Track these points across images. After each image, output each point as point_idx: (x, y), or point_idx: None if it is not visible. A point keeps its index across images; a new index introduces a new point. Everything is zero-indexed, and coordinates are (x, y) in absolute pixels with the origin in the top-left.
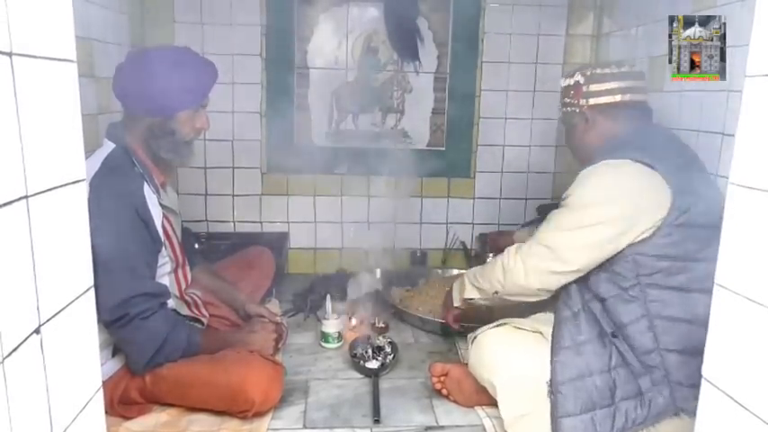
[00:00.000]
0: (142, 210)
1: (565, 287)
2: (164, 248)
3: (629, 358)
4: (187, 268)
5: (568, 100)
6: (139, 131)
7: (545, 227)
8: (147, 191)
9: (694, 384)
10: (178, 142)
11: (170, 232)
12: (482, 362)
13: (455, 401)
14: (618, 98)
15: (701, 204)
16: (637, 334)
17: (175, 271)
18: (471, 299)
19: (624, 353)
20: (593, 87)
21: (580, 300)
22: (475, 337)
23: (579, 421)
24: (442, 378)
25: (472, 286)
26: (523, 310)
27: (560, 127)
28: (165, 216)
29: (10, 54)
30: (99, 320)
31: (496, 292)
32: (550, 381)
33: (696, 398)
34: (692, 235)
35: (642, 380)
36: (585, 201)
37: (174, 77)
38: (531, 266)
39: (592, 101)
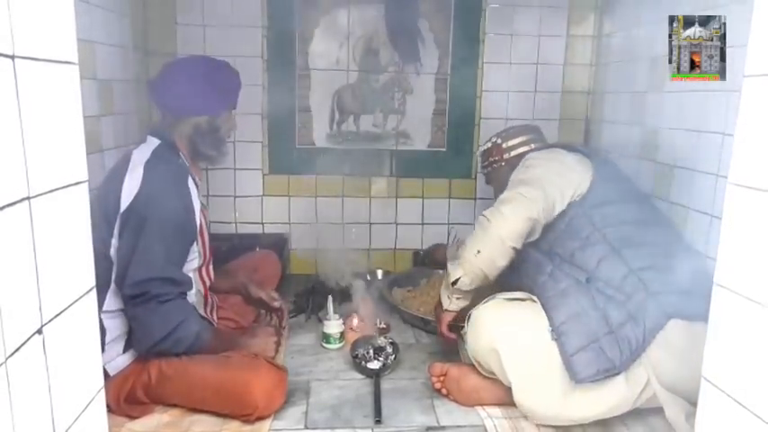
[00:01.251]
0: (186, 197)
1: (532, 259)
2: (195, 243)
3: (609, 292)
4: (211, 267)
5: (492, 159)
6: (184, 131)
7: (502, 196)
8: (191, 182)
9: (673, 290)
10: (221, 139)
11: (204, 227)
12: (481, 336)
13: (455, 401)
14: (532, 146)
15: (613, 169)
16: (610, 267)
17: (200, 269)
18: (457, 278)
19: (603, 290)
20: (510, 143)
21: (550, 264)
22: (469, 316)
23: (589, 351)
24: (441, 378)
25: (454, 267)
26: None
27: (489, 184)
28: (201, 211)
29: (12, 57)
30: (119, 300)
31: (479, 251)
32: (550, 328)
33: (681, 302)
34: (615, 188)
35: (628, 304)
36: (529, 172)
37: (220, 80)
38: (508, 211)
39: (513, 153)
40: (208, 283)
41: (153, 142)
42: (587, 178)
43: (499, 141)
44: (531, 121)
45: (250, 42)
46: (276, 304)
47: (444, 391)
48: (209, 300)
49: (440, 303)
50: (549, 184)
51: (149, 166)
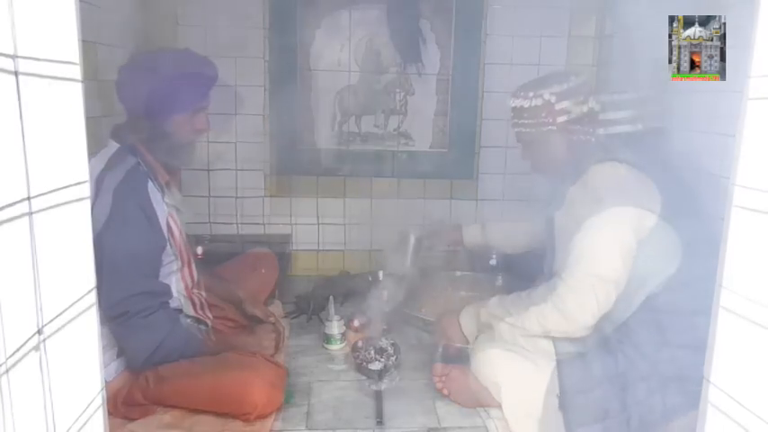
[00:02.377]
0: (146, 205)
1: None
2: (169, 246)
3: (636, 361)
4: (193, 267)
5: (540, 119)
6: (141, 133)
7: (563, 289)
8: (152, 188)
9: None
10: (175, 144)
11: (175, 230)
12: (484, 364)
13: (456, 402)
14: (586, 108)
15: (679, 195)
16: (643, 332)
17: (182, 270)
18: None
19: (631, 357)
20: (565, 104)
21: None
22: (477, 337)
23: (594, 431)
24: (443, 378)
25: (502, 327)
26: None
27: (526, 147)
28: (170, 214)
29: (14, 57)
30: (101, 315)
31: (549, 331)
32: (559, 393)
33: None
34: (707, 287)
35: (652, 380)
36: (599, 254)
37: (170, 81)
38: (594, 302)
39: (566, 117)
40: (190, 285)
41: (112, 147)
42: (651, 218)
43: (552, 100)
44: None
45: (252, 43)
46: (271, 320)
47: (446, 391)
48: (196, 300)
49: (453, 327)
50: (627, 249)
51: (101, 178)
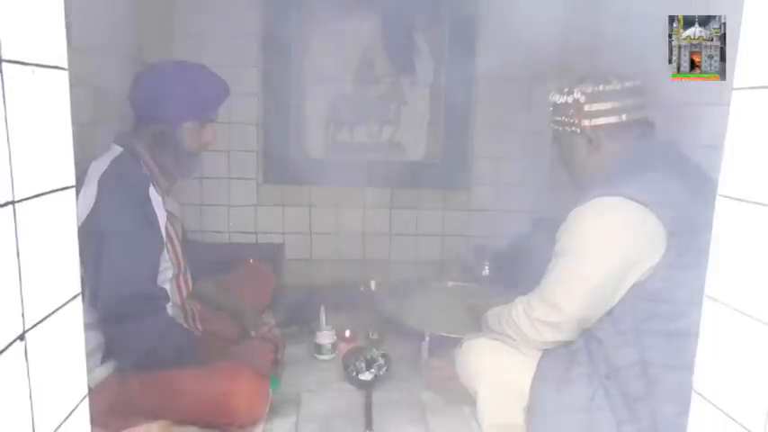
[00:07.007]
0: (147, 208)
1: None
2: (166, 252)
3: (616, 403)
4: (188, 276)
5: (566, 119)
6: (147, 138)
7: (546, 280)
8: (153, 192)
9: None
10: (181, 153)
11: (173, 236)
12: (467, 368)
13: (444, 395)
14: (623, 117)
15: (702, 241)
16: (629, 379)
17: (177, 277)
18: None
19: (613, 397)
20: (596, 107)
21: (581, 336)
22: (462, 344)
23: None
24: (436, 373)
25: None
26: None
27: (554, 146)
28: (168, 220)
29: None
30: (95, 314)
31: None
32: (528, 407)
33: None
34: (693, 276)
35: (626, 427)
36: (579, 247)
37: (183, 88)
38: (539, 323)
39: (594, 121)
40: (185, 293)
41: (115, 151)
42: (653, 265)
43: (582, 100)
44: (526, 134)
45: (246, 52)
46: (278, 342)
47: (437, 385)
48: (188, 309)
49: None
50: (599, 292)
51: (104, 179)
